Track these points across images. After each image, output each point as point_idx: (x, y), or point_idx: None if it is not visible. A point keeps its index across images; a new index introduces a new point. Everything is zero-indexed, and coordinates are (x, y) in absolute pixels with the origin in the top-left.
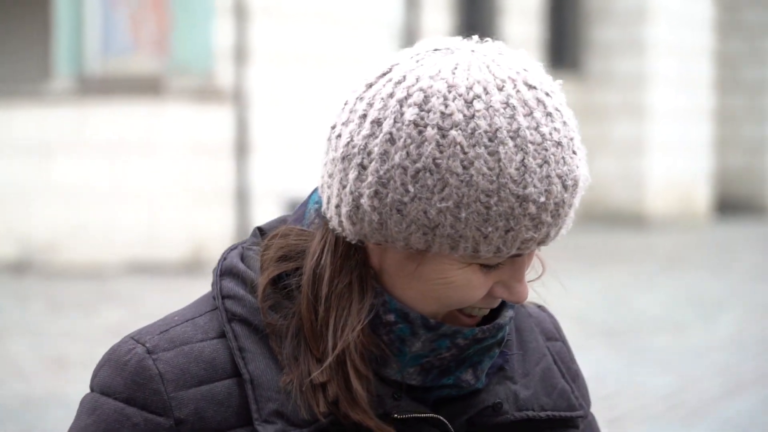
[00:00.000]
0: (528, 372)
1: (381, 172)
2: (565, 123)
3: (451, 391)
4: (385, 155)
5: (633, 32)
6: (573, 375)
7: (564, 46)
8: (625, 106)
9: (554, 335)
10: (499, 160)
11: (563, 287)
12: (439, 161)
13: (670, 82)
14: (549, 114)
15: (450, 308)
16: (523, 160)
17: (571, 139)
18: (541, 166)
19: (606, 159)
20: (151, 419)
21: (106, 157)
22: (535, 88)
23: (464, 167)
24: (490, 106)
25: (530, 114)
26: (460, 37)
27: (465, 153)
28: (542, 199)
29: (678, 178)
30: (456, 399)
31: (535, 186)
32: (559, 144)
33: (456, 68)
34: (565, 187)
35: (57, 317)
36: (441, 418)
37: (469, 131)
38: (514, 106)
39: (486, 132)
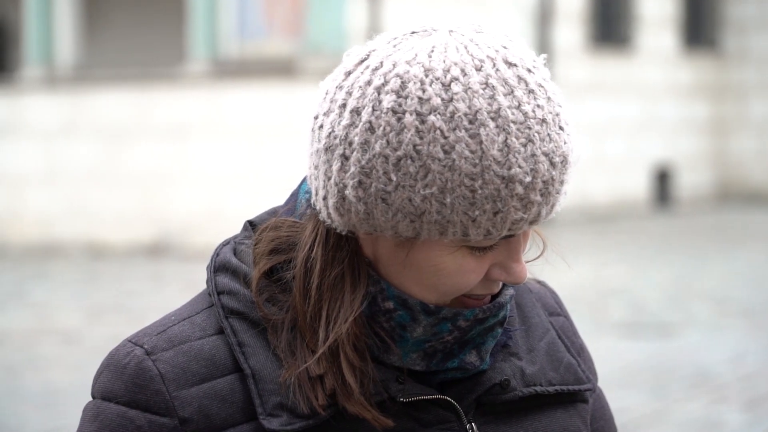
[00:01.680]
0: (532, 347)
1: (363, 162)
2: (549, 99)
3: (456, 373)
4: (365, 145)
5: None
6: (578, 349)
7: (700, 24)
8: (763, 84)
9: (556, 310)
10: (481, 142)
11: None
12: (419, 148)
13: None
14: (531, 91)
15: (449, 296)
16: (505, 140)
17: (557, 114)
18: (525, 146)
19: (743, 137)
20: (155, 420)
21: (241, 140)
22: (515, 65)
23: (445, 152)
24: (469, 88)
25: (511, 93)
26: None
27: (445, 137)
28: (528, 178)
29: None
30: (462, 380)
31: (520, 166)
32: (543, 121)
33: (432, 51)
34: (552, 164)
35: None
36: (449, 399)
37: (449, 115)
38: (493, 86)
39: (466, 114)
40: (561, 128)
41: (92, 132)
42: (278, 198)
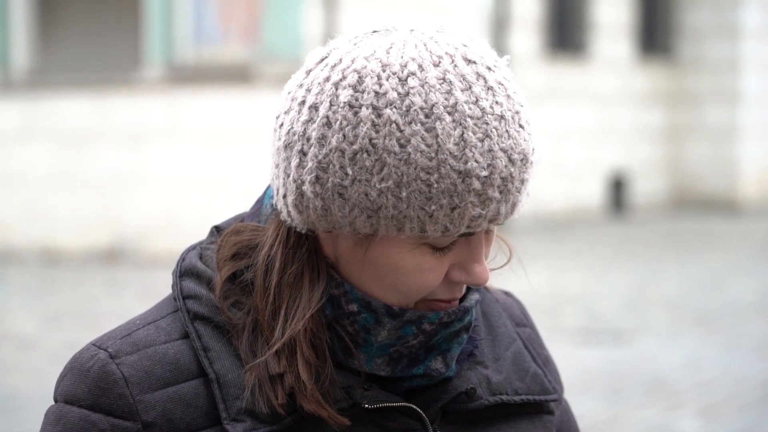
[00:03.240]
0: (499, 357)
1: (320, 157)
2: (508, 97)
3: (422, 380)
4: (322, 139)
5: (725, 16)
6: (544, 360)
7: (655, 31)
8: (718, 91)
9: (523, 321)
10: (437, 136)
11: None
12: (375, 141)
13: (764, 67)
14: (490, 88)
15: (410, 297)
16: (462, 134)
17: (517, 112)
18: (482, 141)
19: (698, 145)
20: (118, 424)
21: (198, 145)
22: (474, 62)
23: (401, 145)
24: (426, 83)
25: (469, 89)
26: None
27: (401, 131)
28: (485, 173)
29: None
30: (428, 387)
31: (476, 161)
32: (501, 118)
33: (391, 47)
34: (511, 161)
35: (149, 305)
36: (414, 406)
37: (404, 109)
38: (450, 81)
39: (422, 108)
40: (521, 126)
41: (48, 137)
42: (235, 203)
